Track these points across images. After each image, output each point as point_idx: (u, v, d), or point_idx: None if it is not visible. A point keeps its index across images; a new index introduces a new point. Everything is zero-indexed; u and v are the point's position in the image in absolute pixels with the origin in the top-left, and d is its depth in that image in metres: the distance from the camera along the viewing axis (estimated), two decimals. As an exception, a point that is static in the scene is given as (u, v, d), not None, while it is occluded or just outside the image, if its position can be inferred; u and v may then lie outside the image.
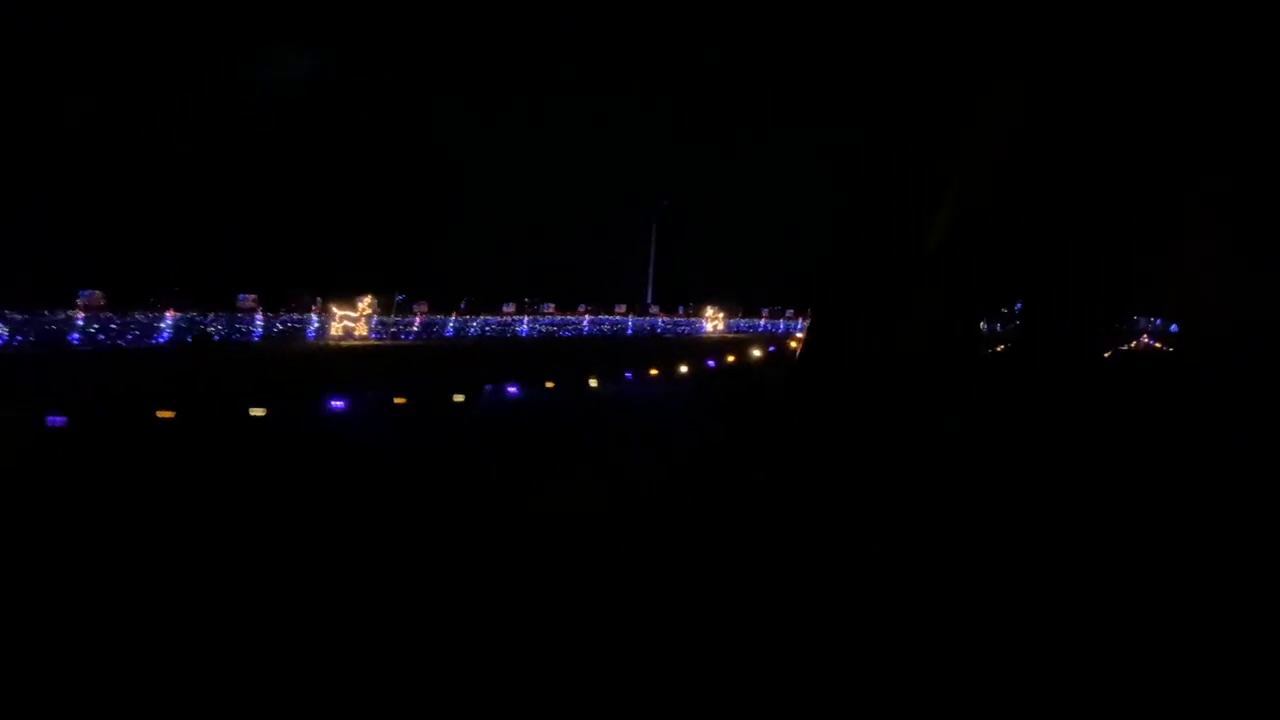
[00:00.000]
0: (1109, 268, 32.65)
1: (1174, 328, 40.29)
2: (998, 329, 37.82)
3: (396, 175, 37.37)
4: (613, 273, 45.31)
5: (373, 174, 36.12)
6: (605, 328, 43.71)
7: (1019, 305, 37.86)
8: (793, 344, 33.74)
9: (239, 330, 27.51)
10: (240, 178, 27.85)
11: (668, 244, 46.36)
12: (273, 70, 25.94)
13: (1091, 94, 29.05)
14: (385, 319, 34.33)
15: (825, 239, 32.39)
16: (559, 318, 41.47)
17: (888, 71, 28.40)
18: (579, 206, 42.69)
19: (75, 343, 21.08)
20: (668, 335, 44.54)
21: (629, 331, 44.40)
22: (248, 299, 28.30)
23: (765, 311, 47.56)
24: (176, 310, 24.78)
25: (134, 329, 23.08)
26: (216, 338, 26.53)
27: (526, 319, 40.60)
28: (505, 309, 39.17)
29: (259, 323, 28.48)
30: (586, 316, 43.45)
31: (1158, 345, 40.87)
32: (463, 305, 37.64)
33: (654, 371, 23.86)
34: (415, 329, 35.76)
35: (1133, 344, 39.48)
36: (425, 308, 36.55)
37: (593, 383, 20.07)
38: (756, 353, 33.28)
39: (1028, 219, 31.87)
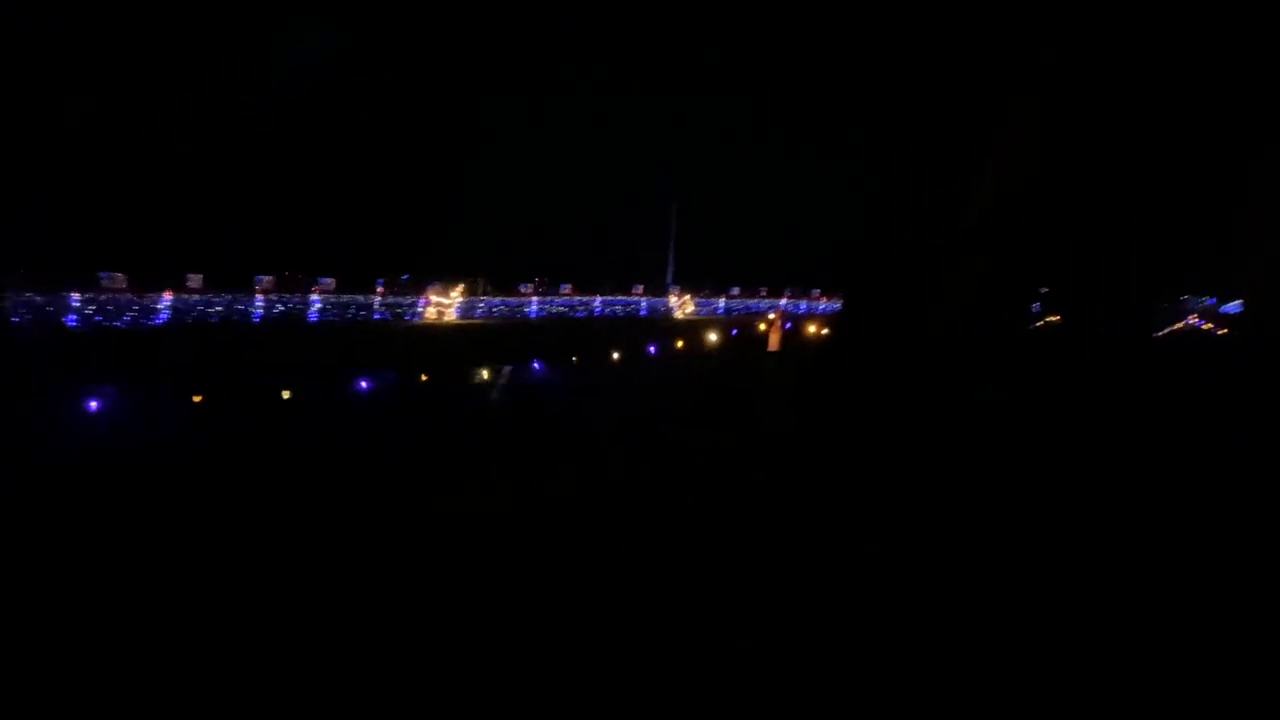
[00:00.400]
0: (1156, 244, 32.05)
1: (1228, 307, 38.98)
2: (1035, 308, 37.26)
3: (409, 157, 36.70)
4: (634, 253, 44.73)
5: (384, 154, 35.44)
6: (618, 309, 43.33)
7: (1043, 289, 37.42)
8: (761, 326, 32.81)
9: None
10: (261, 167, 27.26)
11: (691, 224, 45.72)
12: (295, 56, 25.28)
13: (1147, 61, 28.38)
14: (401, 300, 34.27)
15: (853, 221, 31.75)
16: (575, 299, 41.07)
17: (923, 54, 27.74)
18: (599, 187, 42.07)
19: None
20: (679, 315, 44.11)
21: (643, 312, 44.03)
22: (265, 280, 28.04)
23: (787, 292, 47.02)
24: (195, 292, 24.12)
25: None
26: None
27: (536, 300, 40.34)
28: (523, 289, 38.84)
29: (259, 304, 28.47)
30: (599, 298, 43.08)
31: (1206, 327, 39.79)
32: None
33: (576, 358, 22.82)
34: (419, 310, 35.77)
35: (1178, 325, 38.37)
36: (438, 288, 36.35)
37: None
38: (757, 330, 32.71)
39: (1071, 194, 31.30)
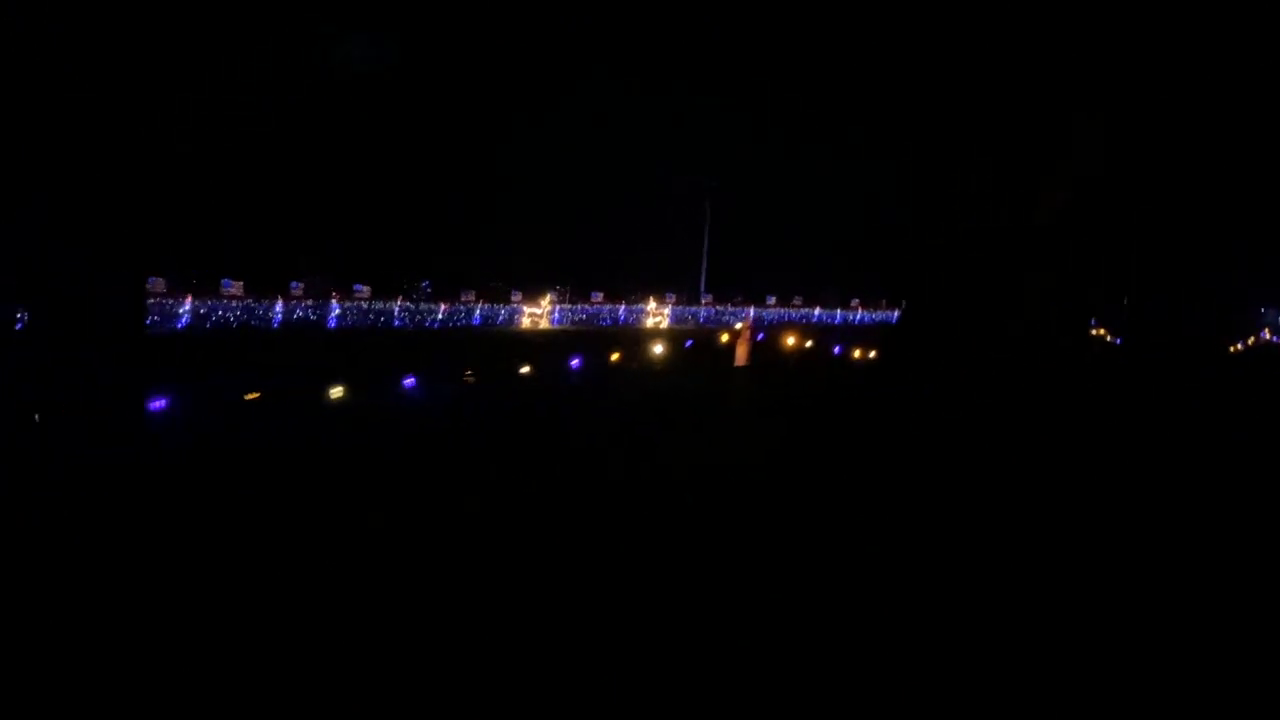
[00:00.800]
0: (1228, 254, 31.10)
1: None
2: (1092, 322, 36.20)
3: (437, 165, 35.67)
4: (667, 261, 43.81)
5: (411, 163, 34.41)
6: (640, 316, 42.51)
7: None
8: (724, 336, 31.32)
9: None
10: (296, 172, 26.25)
11: (729, 232, 44.74)
12: (335, 57, 24.21)
13: (1215, 67, 27.43)
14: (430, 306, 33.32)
15: (905, 231, 30.60)
16: (604, 306, 40.19)
17: (986, 65, 26.65)
18: (632, 193, 41.14)
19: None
20: (708, 324, 43.29)
21: (669, 320, 43.18)
22: (299, 287, 27.11)
23: (822, 297, 45.99)
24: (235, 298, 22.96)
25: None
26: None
27: (558, 309, 39.54)
28: (550, 296, 37.94)
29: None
30: (623, 305, 42.25)
31: None
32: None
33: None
34: (439, 317, 35.00)
35: (1250, 340, 36.69)
36: (472, 296, 35.52)
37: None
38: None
39: (1140, 203, 30.38)
